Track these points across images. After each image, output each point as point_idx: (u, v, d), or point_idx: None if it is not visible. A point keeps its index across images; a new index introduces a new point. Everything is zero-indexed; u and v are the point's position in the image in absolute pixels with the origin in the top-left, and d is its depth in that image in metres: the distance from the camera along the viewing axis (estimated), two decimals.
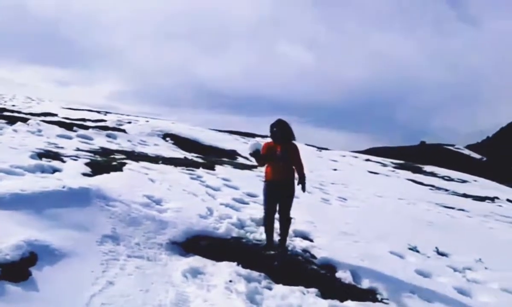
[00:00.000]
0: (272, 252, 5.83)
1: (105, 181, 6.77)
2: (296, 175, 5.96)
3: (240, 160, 17.82)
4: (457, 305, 5.26)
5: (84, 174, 7.33)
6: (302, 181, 5.91)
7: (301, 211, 7.74)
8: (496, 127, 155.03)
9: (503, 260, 7.85)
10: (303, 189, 5.99)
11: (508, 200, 20.26)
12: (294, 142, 6.01)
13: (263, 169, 6.13)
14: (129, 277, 4.38)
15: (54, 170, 7.22)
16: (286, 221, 5.95)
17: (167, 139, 18.28)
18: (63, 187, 5.77)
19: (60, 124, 14.78)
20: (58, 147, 10.15)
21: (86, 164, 8.11)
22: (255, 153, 5.88)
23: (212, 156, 16.46)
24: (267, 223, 6.03)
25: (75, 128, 14.55)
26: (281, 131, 5.88)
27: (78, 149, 10.60)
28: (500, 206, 18.09)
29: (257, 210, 7.44)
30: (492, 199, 19.83)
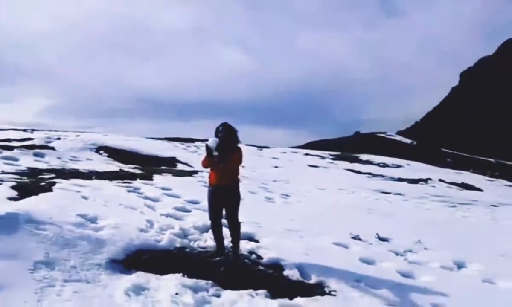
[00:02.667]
0: (218, 258, 5.71)
1: (34, 204, 6.35)
2: (240, 178, 5.87)
3: (180, 167, 17.49)
4: (401, 287, 5.41)
5: (11, 198, 6.82)
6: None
7: (245, 212, 7.66)
8: (423, 113, 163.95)
9: (440, 239, 8.23)
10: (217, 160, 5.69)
11: (440, 180, 21.41)
12: (239, 145, 5.89)
13: (206, 174, 5.96)
14: (67, 303, 4.11)
15: None
16: (234, 227, 5.80)
17: (101, 152, 17.57)
18: None
19: None
20: None
21: (12, 187, 7.56)
22: (207, 149, 5.72)
23: (150, 166, 16.02)
24: (214, 229, 5.90)
25: None
26: (226, 135, 5.73)
27: (2, 172, 9.89)
28: (433, 186, 19.10)
29: (200, 217, 7.28)
30: (426, 180, 20.87)
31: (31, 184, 8.22)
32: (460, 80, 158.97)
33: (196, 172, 14.30)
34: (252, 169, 18.10)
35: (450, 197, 15.66)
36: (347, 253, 6.78)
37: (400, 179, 21.17)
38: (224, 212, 5.88)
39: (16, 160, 12.78)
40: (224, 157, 5.69)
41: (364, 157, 33.73)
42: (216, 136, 5.79)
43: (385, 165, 29.58)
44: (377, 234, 7.97)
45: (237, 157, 5.77)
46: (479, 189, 20.26)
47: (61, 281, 4.52)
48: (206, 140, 5.87)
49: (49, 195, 7.30)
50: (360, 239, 7.58)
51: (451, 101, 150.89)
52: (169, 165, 17.54)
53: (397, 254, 7.03)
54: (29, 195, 7.04)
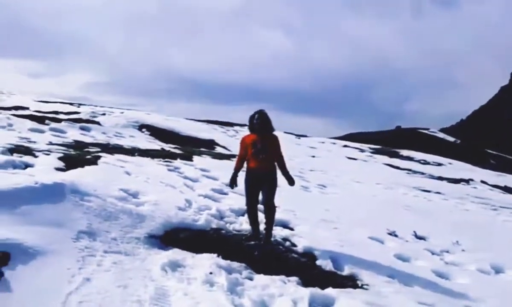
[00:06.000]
0: (253, 242, 5.78)
1: (79, 176, 6.61)
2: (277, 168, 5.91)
3: (218, 149, 17.71)
4: (435, 287, 5.32)
5: (58, 169, 7.13)
6: (286, 175, 5.88)
7: (281, 199, 7.70)
8: (469, 110, 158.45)
9: (479, 242, 8.01)
10: (290, 182, 5.92)
11: (482, 181, 20.72)
12: (274, 133, 5.96)
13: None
14: (106, 273, 4.28)
15: (26, 166, 7.01)
16: (269, 210, 5.83)
17: (143, 130, 18.00)
18: (36, 183, 5.61)
19: (31, 117, 14.38)
20: (30, 142, 9.87)
21: (59, 158, 7.89)
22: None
23: (189, 147, 16.29)
24: (249, 213, 5.97)
25: (47, 121, 14.19)
26: (262, 123, 5.81)
27: (50, 143, 10.33)
28: (475, 187, 18.50)
29: (236, 200, 7.38)
30: (467, 181, 20.24)
31: (77, 156, 8.56)
32: (510, 79, 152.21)
33: (234, 155, 14.43)
34: (289, 157, 18.06)
35: (492, 200, 15.15)
36: (382, 248, 6.71)
37: (441, 178, 20.62)
38: (260, 197, 5.94)
39: (64, 132, 13.30)
40: (262, 149, 5.75)
41: (404, 152, 33.01)
42: (251, 123, 5.86)
43: (425, 162, 28.86)
44: (414, 231, 7.84)
45: (276, 147, 5.84)
46: None
47: (102, 252, 4.72)
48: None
49: (94, 168, 7.59)
50: (396, 236, 7.48)
51: (499, 101, 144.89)
52: (207, 147, 17.79)
53: (433, 253, 6.90)
54: (75, 167, 7.34)
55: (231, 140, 21.52)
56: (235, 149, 18.07)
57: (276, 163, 5.89)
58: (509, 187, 20.74)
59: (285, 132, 31.79)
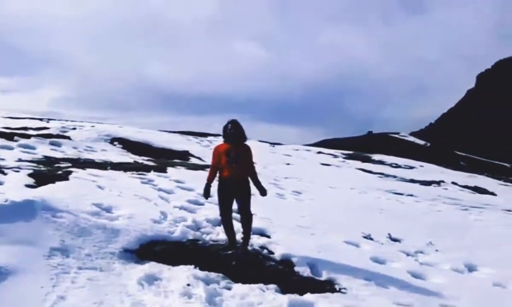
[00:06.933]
0: (230, 252, 5.76)
1: (50, 192, 6.47)
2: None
3: (193, 160, 17.59)
4: (411, 288, 5.41)
5: (28, 186, 6.96)
6: (257, 185, 5.90)
7: (257, 207, 7.71)
8: (438, 114, 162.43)
9: (452, 242, 8.19)
10: (262, 193, 5.94)
11: (453, 182, 21.20)
12: (246, 143, 5.98)
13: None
14: (81, 290, 4.21)
15: None
16: (246, 219, 5.84)
17: (115, 143, 17.72)
18: (6, 201, 5.51)
19: None
20: None
21: (29, 175, 7.69)
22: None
23: (163, 159, 16.14)
24: (224, 223, 5.95)
25: (16, 137, 13.80)
26: (235, 132, 5.84)
27: (20, 160, 10.06)
28: (446, 189, 18.91)
29: (212, 211, 7.34)
30: (438, 182, 20.68)
31: (47, 172, 8.37)
32: (476, 82, 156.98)
33: (209, 166, 14.34)
34: (264, 165, 18.11)
35: (463, 200, 15.52)
36: (358, 252, 6.79)
37: (413, 181, 21.01)
38: (235, 206, 5.93)
39: (33, 148, 12.96)
40: (236, 158, 5.76)
41: (376, 157, 33.52)
42: (224, 132, 5.88)
43: (397, 166, 29.37)
44: (389, 234, 7.96)
45: (248, 156, 5.87)
46: (492, 193, 20.03)
47: (76, 268, 4.64)
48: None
49: (66, 184, 7.43)
50: (371, 239, 7.58)
51: (466, 104, 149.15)
52: (182, 158, 17.65)
53: (408, 254, 7.02)
54: (46, 183, 7.17)
55: (206, 150, 21.41)
56: (210, 159, 18.01)
57: (247, 173, 5.91)
58: (479, 187, 21.29)
59: (260, 141, 31.88)
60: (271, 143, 32.93)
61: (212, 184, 6.05)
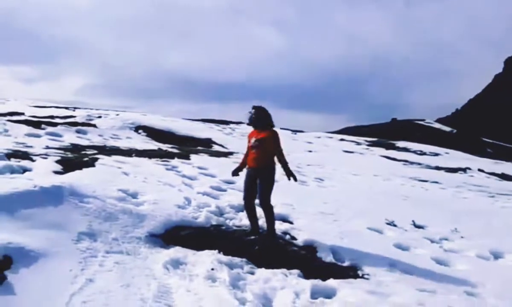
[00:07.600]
0: (253, 237, 5.81)
1: (77, 178, 6.62)
2: (276, 163, 5.90)
3: (215, 148, 17.72)
4: (435, 275, 5.36)
5: (56, 172, 7.15)
6: (285, 168, 5.87)
7: (279, 193, 7.74)
8: (464, 100, 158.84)
9: (477, 229, 8.05)
10: (290, 176, 5.87)
11: (479, 170, 20.80)
12: (274, 128, 5.97)
13: (241, 155, 6.11)
14: (109, 273, 4.31)
15: (24, 170, 7.00)
16: (264, 209, 5.82)
17: (140, 131, 18.00)
18: (35, 187, 5.63)
19: (27, 122, 14.36)
20: (26, 146, 9.86)
21: (57, 161, 7.89)
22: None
23: (186, 146, 16.31)
24: (246, 208, 6.00)
25: (43, 126, 14.16)
26: (255, 118, 5.89)
27: (47, 147, 10.32)
28: (472, 176, 18.57)
29: (235, 197, 7.41)
30: (464, 170, 20.31)
31: (74, 159, 8.57)
32: (504, 67, 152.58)
33: (231, 153, 14.47)
34: (287, 153, 18.07)
35: (489, 187, 15.22)
36: (382, 238, 6.75)
37: (438, 168, 20.69)
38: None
39: (60, 136, 13.29)
40: (255, 144, 5.78)
41: (400, 144, 33.08)
42: (250, 119, 5.91)
43: (422, 153, 28.94)
44: (413, 221, 7.88)
45: (271, 142, 5.81)
46: None
47: (103, 252, 4.75)
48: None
49: (92, 170, 7.60)
50: (395, 225, 7.52)
51: (494, 89, 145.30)
52: (205, 145, 17.80)
53: (432, 241, 6.94)
54: (73, 170, 7.35)
55: (228, 138, 21.54)
56: (232, 147, 18.09)
57: (276, 159, 5.91)
58: (506, 174, 20.84)
59: (282, 128, 31.82)
60: (292, 131, 32.84)
61: (243, 168, 6.13)
